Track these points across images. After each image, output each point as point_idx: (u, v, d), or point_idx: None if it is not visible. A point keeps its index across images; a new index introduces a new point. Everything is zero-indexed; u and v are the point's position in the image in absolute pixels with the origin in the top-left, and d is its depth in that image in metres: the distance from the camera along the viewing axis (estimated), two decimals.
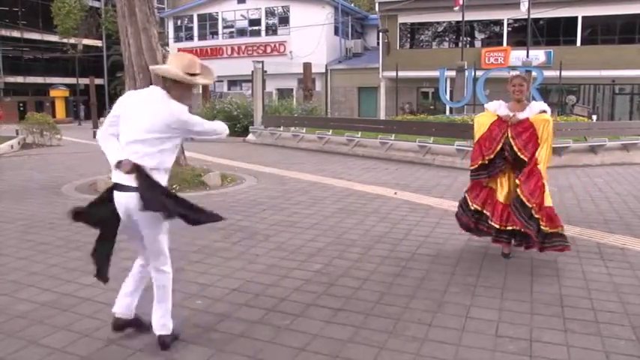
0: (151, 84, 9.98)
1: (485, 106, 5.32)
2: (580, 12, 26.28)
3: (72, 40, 40.03)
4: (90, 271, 4.88)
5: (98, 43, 45.05)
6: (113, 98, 42.07)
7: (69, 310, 4.05)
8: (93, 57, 44.64)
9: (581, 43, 27.02)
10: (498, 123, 5.06)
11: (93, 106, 32.63)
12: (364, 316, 3.91)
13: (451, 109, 20.84)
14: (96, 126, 31.43)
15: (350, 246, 5.78)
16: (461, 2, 22.98)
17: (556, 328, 3.70)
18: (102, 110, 40.51)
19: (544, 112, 5.02)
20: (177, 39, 37.61)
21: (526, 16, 22.51)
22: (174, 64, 3.32)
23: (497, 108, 5.12)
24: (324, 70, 31.52)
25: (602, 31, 27.12)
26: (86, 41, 42.71)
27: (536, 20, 25.37)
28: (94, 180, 10.00)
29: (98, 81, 39.75)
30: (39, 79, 43.69)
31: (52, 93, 43.60)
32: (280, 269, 4.96)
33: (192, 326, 3.76)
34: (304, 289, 4.48)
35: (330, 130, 16.93)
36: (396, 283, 4.62)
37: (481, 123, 5.25)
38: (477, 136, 5.25)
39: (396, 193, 8.89)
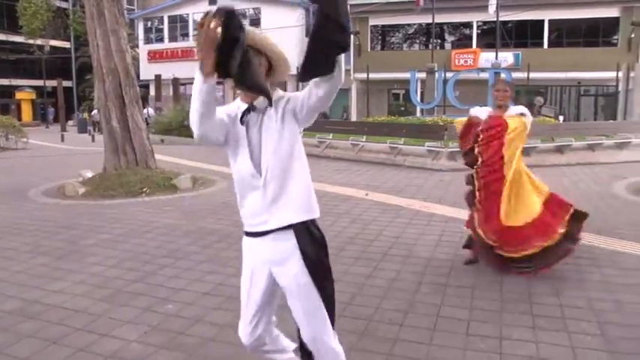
0: (120, 86, 9.93)
1: (470, 111, 5.25)
2: (546, 15, 26.87)
3: (38, 42, 39.14)
4: (57, 277, 4.82)
5: (66, 44, 44.10)
6: (82, 101, 41.46)
7: (35, 318, 3.96)
8: (61, 58, 43.73)
9: (548, 46, 27.61)
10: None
11: (61, 108, 32.05)
12: (336, 317, 3.90)
13: (422, 110, 21.05)
14: (64, 129, 30.94)
15: None
16: (422, 3, 23.19)
17: (525, 325, 3.75)
18: (70, 113, 39.85)
19: (522, 114, 5.02)
20: (148, 40, 37.19)
21: (495, 19, 22.85)
22: None
23: (481, 114, 5.08)
24: (295, 73, 31.49)
25: (568, 34, 27.72)
26: (53, 42, 41.82)
27: (504, 23, 25.79)
28: (61, 184, 9.82)
29: (66, 83, 38.99)
30: (4, 81, 42.66)
31: (18, 95, 42.65)
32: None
33: (164, 330, 3.71)
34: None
35: (302, 132, 16.91)
36: (368, 283, 4.63)
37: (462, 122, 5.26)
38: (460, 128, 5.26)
39: (367, 195, 8.91)
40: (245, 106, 2.39)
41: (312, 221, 2.44)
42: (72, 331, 3.70)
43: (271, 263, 2.43)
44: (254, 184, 2.36)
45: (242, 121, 2.38)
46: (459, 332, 3.65)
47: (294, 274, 2.38)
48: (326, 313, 2.49)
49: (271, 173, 2.34)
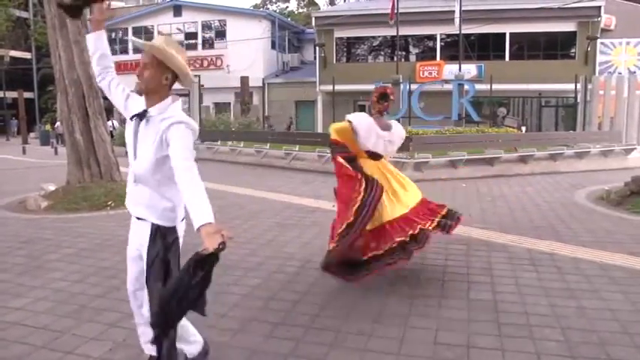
0: (84, 98, 9.77)
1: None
2: (507, 29, 27.52)
3: None
4: (18, 293, 4.69)
5: (27, 55, 43.21)
6: (44, 112, 40.57)
7: None
8: (22, 69, 42.77)
9: (510, 58, 28.23)
10: None
11: (22, 120, 31.33)
12: (304, 329, 3.90)
13: None
14: (26, 141, 30.27)
15: (289, 259, 5.76)
16: (394, 16, 23.51)
17: (491, 333, 3.80)
18: (32, 125, 38.94)
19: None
20: (112, 52, 36.14)
21: (457, 32, 23.26)
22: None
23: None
24: (261, 84, 31.53)
25: (528, 47, 28.44)
26: (14, 53, 40.97)
27: (467, 36, 26.29)
28: (23, 198, 9.58)
29: (27, 94, 38.09)
30: None
31: None
32: (217, 285, 4.85)
33: (129, 346, 3.64)
34: (243, 304, 4.43)
35: (268, 144, 16.91)
36: (336, 295, 4.63)
37: None
38: None
39: (334, 206, 8.90)
40: (143, 107, 2.75)
41: (159, 227, 2.78)
42: (33, 349, 3.59)
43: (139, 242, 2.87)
44: (132, 174, 2.83)
45: (131, 118, 2.79)
46: (426, 341, 3.67)
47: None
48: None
49: (139, 175, 2.77)
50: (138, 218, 2.85)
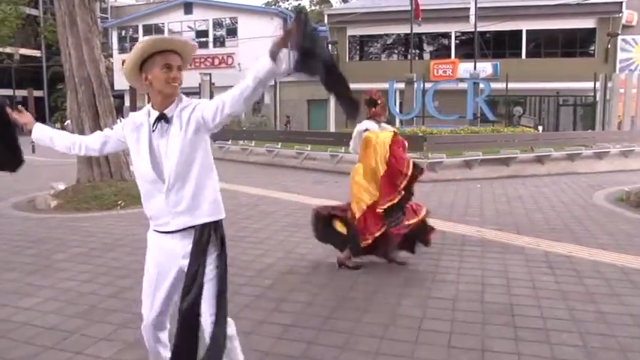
0: (94, 96, 9.84)
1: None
2: (524, 26, 27.34)
3: (8, 50, 38.72)
4: (27, 293, 4.73)
5: (37, 53, 43.62)
6: (54, 111, 40.92)
7: (5, 337, 3.86)
8: (31, 67, 43.18)
9: (526, 56, 28.06)
10: None
11: None
12: (316, 331, 3.90)
13: (401, 121, 21.20)
14: None
15: (300, 260, 5.77)
16: (420, 14, 23.46)
17: (507, 336, 3.77)
18: (42, 123, 39.23)
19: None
20: (122, 50, 36.97)
21: (473, 29, 23.15)
22: None
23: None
24: (273, 83, 31.53)
25: (546, 45, 28.23)
26: (23, 51, 41.37)
27: (482, 33, 26.15)
28: (32, 197, 9.67)
29: (37, 93, 38.47)
30: None
31: None
32: (229, 285, 4.87)
33: (139, 347, 3.65)
34: (254, 305, 4.44)
35: (280, 144, 16.94)
36: (348, 296, 4.63)
37: None
38: None
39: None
40: (156, 113, 2.55)
41: (206, 226, 2.58)
42: (42, 350, 3.62)
43: (180, 257, 2.60)
44: (157, 189, 2.55)
45: (154, 129, 2.55)
46: (440, 345, 3.65)
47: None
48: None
49: (174, 180, 2.52)
50: (176, 231, 2.58)
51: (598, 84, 19.63)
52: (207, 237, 2.56)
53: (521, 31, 27.81)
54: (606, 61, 26.37)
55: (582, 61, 26.50)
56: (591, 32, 27.16)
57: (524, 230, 7.08)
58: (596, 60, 26.49)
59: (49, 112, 41.66)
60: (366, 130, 5.37)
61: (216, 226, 2.61)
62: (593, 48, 27.49)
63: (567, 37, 27.66)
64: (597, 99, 19.90)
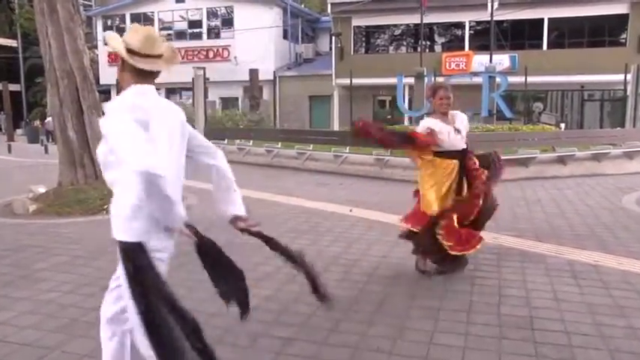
0: (77, 91, 9.85)
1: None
2: (546, 14, 27.09)
3: None
4: (1, 306, 4.73)
5: (12, 42, 43.26)
6: (32, 107, 40.85)
7: None
8: (6, 59, 42.84)
9: (548, 47, 27.88)
10: None
11: (8, 115, 31.54)
12: (318, 345, 3.90)
13: (410, 118, 21.20)
14: (11, 138, 30.57)
15: None
16: (426, 2, 23.44)
17: (526, 353, 3.76)
18: (18, 121, 39.22)
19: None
20: None
21: (489, 19, 23.10)
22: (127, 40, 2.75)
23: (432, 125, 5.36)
24: (272, 77, 31.59)
25: (570, 34, 27.98)
26: None
27: (499, 23, 26.09)
28: (9, 201, 9.68)
29: (13, 87, 38.25)
30: None
31: None
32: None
33: None
34: (252, 317, 4.43)
35: (280, 143, 16.96)
36: (353, 308, 4.63)
37: None
38: None
39: (351, 211, 8.94)
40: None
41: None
42: None
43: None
44: None
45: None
46: None
47: None
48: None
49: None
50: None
51: (629, 76, 19.42)
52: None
53: (542, 19, 27.61)
54: (639, 51, 26.03)
55: (611, 51, 26.12)
56: (623, 19, 26.77)
57: (545, 236, 7.07)
58: (628, 50, 26.01)
59: (27, 107, 41.57)
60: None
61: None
62: (624, 36, 27.11)
63: (595, 25, 27.33)
64: (628, 93, 19.74)
